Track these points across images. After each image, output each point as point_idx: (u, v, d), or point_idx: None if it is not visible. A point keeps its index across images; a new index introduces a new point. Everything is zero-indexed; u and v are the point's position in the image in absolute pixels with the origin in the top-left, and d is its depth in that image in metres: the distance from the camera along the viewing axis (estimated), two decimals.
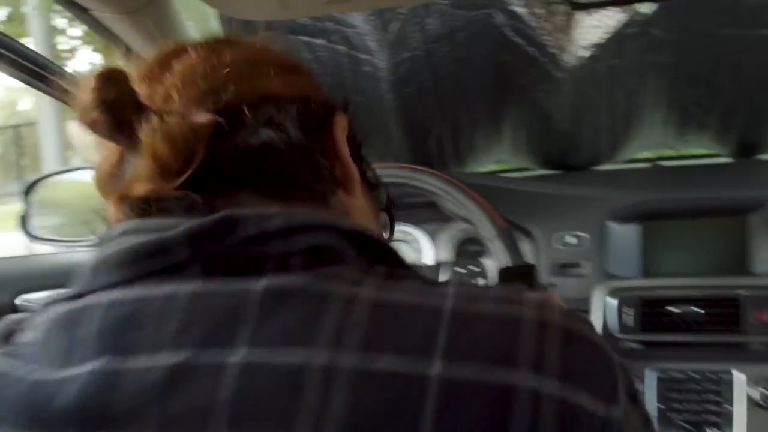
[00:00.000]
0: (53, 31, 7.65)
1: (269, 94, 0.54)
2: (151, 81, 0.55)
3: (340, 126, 0.59)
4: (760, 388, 1.38)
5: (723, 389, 1.43)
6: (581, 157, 1.90)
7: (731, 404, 1.41)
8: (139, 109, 0.49)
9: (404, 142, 1.88)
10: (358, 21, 1.51)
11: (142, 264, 0.44)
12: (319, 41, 1.58)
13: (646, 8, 1.44)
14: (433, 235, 1.83)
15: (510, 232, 1.27)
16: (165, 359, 0.40)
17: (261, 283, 0.42)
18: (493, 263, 1.48)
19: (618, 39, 1.49)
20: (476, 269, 1.51)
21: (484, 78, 1.68)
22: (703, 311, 1.47)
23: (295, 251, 0.45)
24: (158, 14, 1.19)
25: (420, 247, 1.84)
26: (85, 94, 0.48)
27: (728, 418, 1.41)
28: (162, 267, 0.44)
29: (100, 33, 1.22)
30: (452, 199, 1.29)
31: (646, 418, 0.45)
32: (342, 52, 1.61)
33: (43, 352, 0.43)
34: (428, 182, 1.31)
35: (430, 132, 1.85)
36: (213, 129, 0.50)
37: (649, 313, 1.50)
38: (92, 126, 0.49)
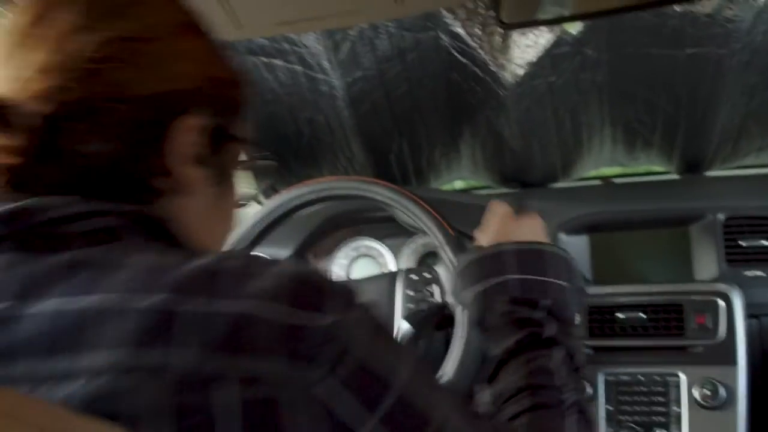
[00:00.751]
0: None
1: (111, 98, 0.58)
2: (2, 58, 0.60)
3: (184, 129, 0.62)
4: (702, 389, 1.44)
5: (670, 391, 1.48)
6: (536, 175, 1.97)
7: (678, 405, 1.47)
8: None
9: (365, 160, 1.94)
10: (311, 41, 1.58)
11: None
12: (277, 62, 1.65)
13: (573, 28, 1.52)
14: (396, 249, 1.89)
15: (459, 240, 1.32)
16: None
17: (65, 257, 0.53)
18: (444, 271, 1.54)
19: (552, 58, 1.57)
20: (429, 276, 1.56)
21: (437, 96, 1.75)
22: (648, 317, 1.53)
23: (88, 230, 0.56)
24: None
25: (385, 261, 1.89)
26: None
27: (676, 418, 1.46)
28: None
29: None
30: (404, 209, 1.34)
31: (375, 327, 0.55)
32: (299, 72, 1.68)
33: None
34: (381, 194, 1.36)
35: (390, 149, 1.92)
36: (46, 132, 0.57)
37: (598, 319, 1.56)
38: None
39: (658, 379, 1.50)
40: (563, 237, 1.71)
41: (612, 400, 1.51)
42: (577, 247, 1.71)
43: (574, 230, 1.72)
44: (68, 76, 0.57)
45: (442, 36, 1.58)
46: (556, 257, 0.92)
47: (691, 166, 1.91)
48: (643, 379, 1.51)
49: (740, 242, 1.60)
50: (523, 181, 2.00)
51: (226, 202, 0.71)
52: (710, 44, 1.53)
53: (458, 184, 2.20)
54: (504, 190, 2.05)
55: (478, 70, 1.63)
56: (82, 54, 0.58)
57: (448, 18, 1.53)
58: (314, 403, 0.49)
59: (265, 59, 1.64)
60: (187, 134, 0.62)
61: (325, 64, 1.63)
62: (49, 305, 0.50)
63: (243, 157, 0.72)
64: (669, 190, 1.87)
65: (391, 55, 1.62)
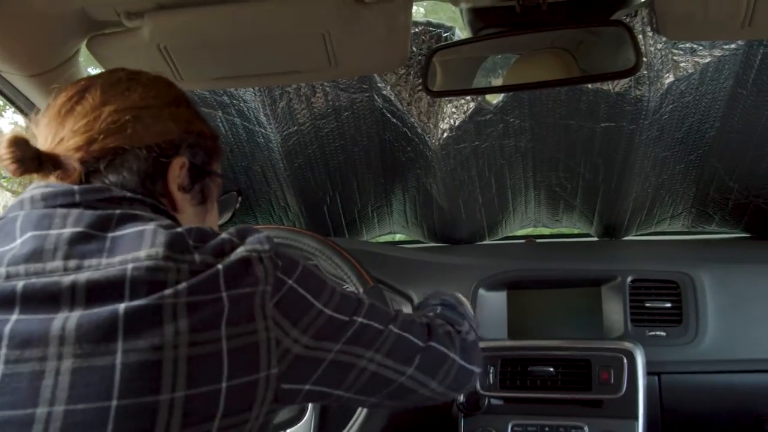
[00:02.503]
0: None
1: (125, 147, 0.86)
2: (50, 128, 0.87)
3: (176, 166, 0.91)
4: None
5: None
6: (463, 232, 2.07)
7: None
8: (38, 157, 0.83)
9: (299, 211, 2.01)
10: (249, 96, 1.66)
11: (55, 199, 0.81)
12: (217, 113, 1.72)
13: (494, 99, 1.63)
14: None
15: (378, 289, 1.39)
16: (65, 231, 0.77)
17: (117, 212, 0.80)
18: None
19: (476, 124, 1.67)
20: None
21: (370, 153, 1.84)
22: (558, 371, 1.61)
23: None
24: (65, 78, 1.29)
25: None
26: (1, 152, 0.82)
27: None
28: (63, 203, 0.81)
29: (7, 93, 1.31)
30: (327, 258, 1.41)
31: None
32: (238, 123, 1.75)
33: None
34: (305, 243, 1.43)
35: (323, 202, 2.00)
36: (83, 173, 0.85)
37: (510, 371, 1.64)
38: (10, 171, 0.82)
39: (563, 430, 1.58)
40: (483, 292, 1.80)
41: None
42: (495, 302, 1.80)
43: (494, 286, 1.82)
44: (93, 134, 0.85)
45: (376, 97, 1.67)
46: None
47: (609, 230, 2.03)
48: (548, 430, 1.59)
49: (645, 303, 1.71)
50: (451, 237, 2.09)
51: (205, 218, 0.98)
52: (622, 120, 1.66)
53: (386, 238, 2.28)
54: (433, 244, 2.15)
55: (407, 131, 1.72)
56: (105, 118, 0.85)
57: (380, 81, 1.63)
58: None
59: (205, 110, 1.71)
60: (176, 170, 0.90)
61: (263, 117, 1.70)
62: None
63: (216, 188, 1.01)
64: (585, 251, 1.99)
65: (327, 113, 1.71)
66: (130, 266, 0.72)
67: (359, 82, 1.64)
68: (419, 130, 1.69)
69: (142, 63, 0.89)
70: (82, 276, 0.72)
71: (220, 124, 1.75)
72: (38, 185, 0.83)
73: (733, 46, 1.50)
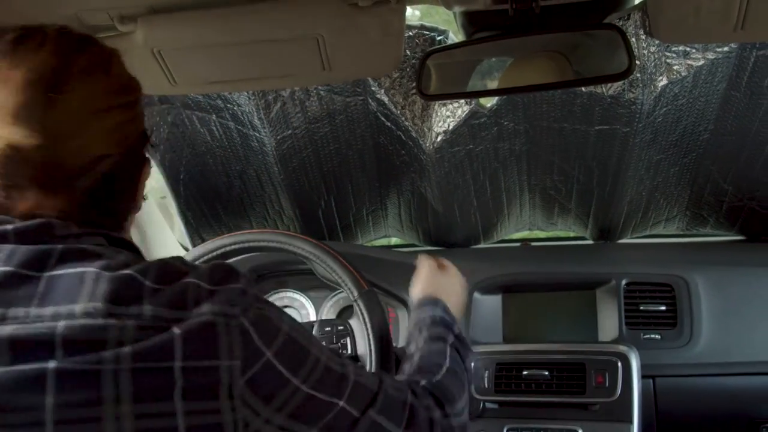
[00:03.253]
0: None
1: (105, 154, 0.75)
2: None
3: (146, 173, 0.84)
4: None
5: None
6: (458, 236, 2.07)
7: None
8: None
9: (293, 214, 2.01)
10: (243, 100, 1.66)
11: None
12: (211, 117, 1.72)
13: (488, 102, 1.64)
14: (318, 302, 1.94)
15: (372, 293, 1.38)
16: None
17: (59, 247, 0.69)
18: (357, 323, 1.60)
19: (470, 127, 1.67)
20: (342, 329, 1.62)
21: (365, 157, 1.84)
22: (553, 374, 1.61)
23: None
24: None
25: (306, 312, 1.94)
26: None
27: None
28: None
29: None
30: (321, 263, 1.41)
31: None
32: (232, 127, 1.75)
33: None
34: (300, 247, 1.42)
35: (318, 205, 1.99)
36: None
37: (505, 375, 1.64)
38: None
39: None
40: (478, 296, 1.79)
41: None
42: (490, 306, 1.80)
43: (489, 290, 1.81)
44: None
45: (370, 101, 1.67)
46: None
47: (604, 233, 2.03)
48: None
49: (640, 306, 1.71)
50: (446, 241, 2.09)
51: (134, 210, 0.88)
52: (616, 123, 1.66)
53: (381, 241, 2.28)
54: (428, 248, 2.14)
55: (402, 135, 1.72)
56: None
57: (374, 85, 1.63)
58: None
59: (199, 114, 1.71)
60: (146, 176, 0.84)
61: (257, 121, 1.70)
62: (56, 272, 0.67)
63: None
64: (580, 254, 1.99)
65: (321, 116, 1.71)
66: (61, 324, 0.62)
67: (353, 86, 1.64)
68: (413, 134, 1.69)
69: (135, 67, 0.86)
70: (5, 330, 0.62)
71: (214, 128, 1.75)
72: None
73: (726, 48, 1.51)
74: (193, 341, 0.65)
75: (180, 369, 0.64)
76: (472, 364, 1.64)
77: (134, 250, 0.79)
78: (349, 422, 0.79)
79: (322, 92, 1.65)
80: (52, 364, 0.61)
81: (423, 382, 0.96)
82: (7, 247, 0.68)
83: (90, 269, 0.67)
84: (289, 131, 1.72)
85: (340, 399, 0.78)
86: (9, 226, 0.69)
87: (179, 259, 0.75)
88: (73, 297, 0.64)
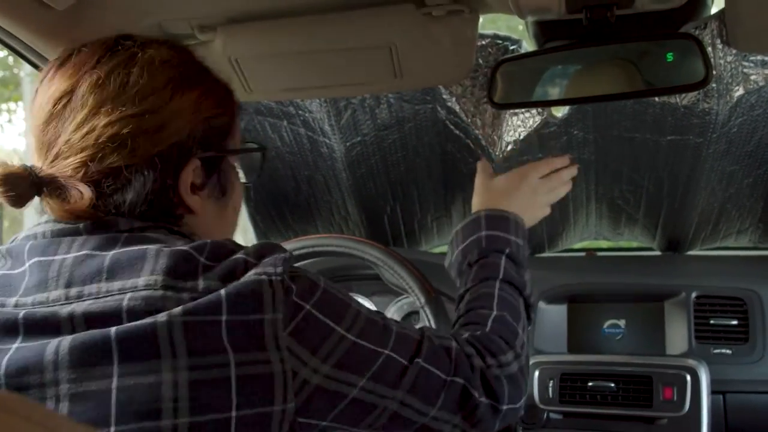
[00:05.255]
0: None
1: (128, 164, 0.78)
2: (43, 134, 0.80)
3: (187, 172, 0.82)
4: None
5: None
6: None
7: None
8: (36, 184, 0.76)
9: (359, 219, 2.03)
10: (315, 107, 1.69)
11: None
12: (282, 123, 1.76)
13: (559, 112, 1.63)
14: (383, 307, 1.96)
15: (439, 301, 1.40)
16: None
17: (124, 234, 0.77)
18: None
19: (540, 137, 1.67)
20: None
21: (432, 164, 1.85)
22: (618, 387, 1.59)
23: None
24: None
25: None
26: None
27: None
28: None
29: None
30: (389, 268, 1.43)
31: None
32: (302, 133, 1.78)
33: None
34: (368, 252, 1.44)
35: (384, 211, 2.01)
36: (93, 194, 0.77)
37: (569, 386, 1.62)
38: (9, 205, 0.76)
39: None
40: (543, 305, 1.78)
41: None
42: (555, 315, 1.78)
43: (554, 299, 1.80)
44: (90, 152, 0.77)
45: (439, 109, 1.68)
46: (515, 221, 1.16)
47: (673, 244, 1.99)
48: None
49: (710, 320, 1.68)
50: None
51: (228, 210, 0.92)
52: (689, 133, 1.63)
53: (444, 248, 2.28)
54: None
55: (470, 143, 1.73)
56: (101, 132, 0.77)
57: (445, 93, 1.64)
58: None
59: (271, 120, 1.75)
60: (188, 175, 0.82)
61: (327, 128, 1.73)
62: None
63: (237, 161, 0.92)
64: (648, 266, 1.96)
65: (390, 124, 1.73)
66: (127, 296, 0.69)
67: (423, 94, 1.66)
68: (483, 142, 1.70)
69: None
70: (80, 307, 0.69)
71: (285, 134, 1.79)
72: (44, 224, 0.79)
73: None
74: (237, 297, 0.70)
75: (226, 323, 0.69)
76: (536, 372, 1.63)
77: (191, 236, 0.83)
78: (398, 371, 0.81)
79: (392, 100, 1.66)
80: (113, 329, 0.67)
81: (465, 335, 0.95)
82: (80, 238, 0.76)
83: (151, 247, 0.73)
84: (359, 138, 1.75)
85: (385, 348, 0.81)
86: (80, 224, 0.77)
87: (231, 240, 0.80)
88: (137, 272, 0.71)
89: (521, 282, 1.09)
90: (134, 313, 0.68)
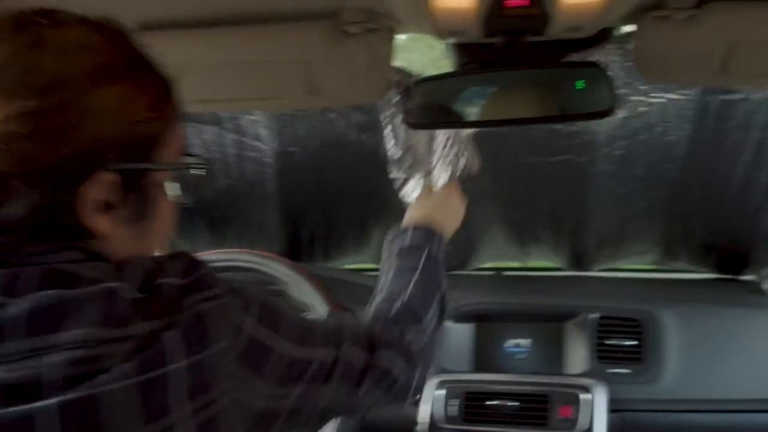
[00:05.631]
0: None
1: (19, 171, 0.61)
2: None
3: (98, 184, 0.64)
4: None
5: None
6: None
7: None
8: None
9: (279, 229, 2.01)
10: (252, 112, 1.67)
11: None
12: (208, 127, 1.72)
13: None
14: None
15: (344, 316, 1.39)
16: None
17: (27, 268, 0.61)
18: None
19: None
20: None
21: (363, 187, 1.86)
22: (517, 406, 1.62)
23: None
24: None
25: None
26: None
27: None
28: None
29: None
30: (296, 285, 1.41)
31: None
32: (232, 138, 1.74)
33: None
34: (275, 268, 1.43)
35: (305, 224, 2.00)
36: None
37: (472, 405, 1.65)
38: None
39: None
40: (450, 324, 1.80)
41: None
42: (461, 334, 1.81)
43: (462, 318, 1.82)
44: None
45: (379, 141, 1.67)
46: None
47: (577, 263, 2.05)
48: None
49: (610, 341, 1.73)
50: None
51: (148, 237, 0.73)
52: (572, 152, 1.70)
53: (356, 265, 2.28)
54: None
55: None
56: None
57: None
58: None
59: (198, 125, 1.71)
60: (95, 189, 0.64)
61: (263, 131, 1.71)
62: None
63: (168, 178, 0.73)
64: (551, 286, 2.01)
65: (330, 142, 1.73)
66: (46, 360, 0.56)
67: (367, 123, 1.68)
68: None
69: None
70: None
71: (206, 136, 1.75)
72: None
73: (690, 91, 1.54)
74: (188, 334, 0.61)
75: (186, 366, 0.60)
76: (443, 390, 1.63)
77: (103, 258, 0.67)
78: (327, 367, 0.80)
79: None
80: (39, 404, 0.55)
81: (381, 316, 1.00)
82: None
83: (68, 292, 0.59)
84: (294, 148, 1.74)
85: (315, 346, 0.80)
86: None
87: (143, 257, 0.67)
88: (56, 326, 0.57)
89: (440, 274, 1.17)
90: (63, 379, 0.56)
